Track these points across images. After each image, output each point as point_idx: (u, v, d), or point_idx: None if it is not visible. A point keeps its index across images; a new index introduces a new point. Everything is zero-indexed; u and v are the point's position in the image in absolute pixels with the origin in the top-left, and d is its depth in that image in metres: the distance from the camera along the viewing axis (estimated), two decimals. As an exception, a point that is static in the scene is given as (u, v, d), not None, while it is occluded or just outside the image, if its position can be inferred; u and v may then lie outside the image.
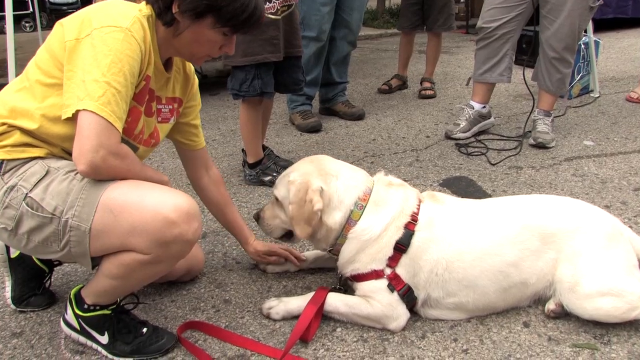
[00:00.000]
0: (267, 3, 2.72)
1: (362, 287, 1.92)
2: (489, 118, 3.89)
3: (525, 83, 3.74)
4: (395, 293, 1.86)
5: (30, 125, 1.61)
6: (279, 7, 2.77)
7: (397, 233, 1.87)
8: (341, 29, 4.09)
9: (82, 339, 1.82)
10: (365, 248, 1.88)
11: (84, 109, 1.49)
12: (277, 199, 2.02)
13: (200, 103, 2.14)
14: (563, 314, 1.92)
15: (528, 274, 1.91)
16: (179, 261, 2.04)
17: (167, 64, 1.84)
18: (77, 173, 1.60)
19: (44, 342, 1.89)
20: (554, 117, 3.90)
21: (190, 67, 2.01)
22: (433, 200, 2.00)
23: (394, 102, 4.85)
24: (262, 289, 2.16)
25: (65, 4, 11.16)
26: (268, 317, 1.97)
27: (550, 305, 1.93)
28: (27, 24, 8.88)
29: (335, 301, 1.92)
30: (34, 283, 2.07)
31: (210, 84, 5.50)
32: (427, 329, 1.90)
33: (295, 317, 1.91)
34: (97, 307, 1.78)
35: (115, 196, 1.57)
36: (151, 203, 1.56)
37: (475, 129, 3.80)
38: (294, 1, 2.88)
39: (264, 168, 3.06)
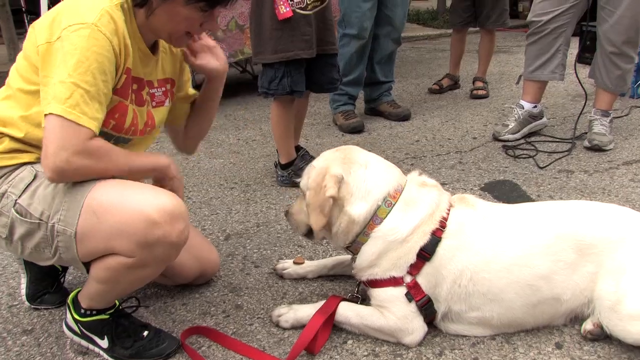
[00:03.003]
0: (296, -3, 2.63)
1: (377, 294, 1.77)
2: (541, 119, 3.65)
3: (578, 79, 3.48)
4: (413, 303, 1.70)
5: (17, 133, 1.59)
6: (308, 2, 2.67)
7: (423, 238, 1.71)
8: (384, 26, 3.94)
9: (83, 342, 1.78)
10: (388, 251, 1.72)
11: (50, 113, 1.43)
12: (302, 190, 1.88)
13: (189, 73, 2.05)
14: (602, 336, 1.71)
15: (561, 288, 1.71)
16: (191, 264, 1.99)
17: (154, 47, 1.76)
18: None
19: (51, 341, 1.86)
20: (615, 117, 3.62)
21: None
22: (463, 203, 1.83)
23: (443, 103, 4.66)
24: (277, 295, 2.06)
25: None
26: (277, 325, 1.86)
27: (588, 326, 1.73)
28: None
29: (347, 311, 1.79)
30: (48, 281, 2.05)
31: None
32: (446, 345, 1.74)
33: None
34: (94, 312, 1.73)
35: (98, 197, 1.51)
36: (133, 203, 1.49)
37: (525, 130, 3.57)
38: (327, -3, 2.77)
39: (296, 169, 2.96)
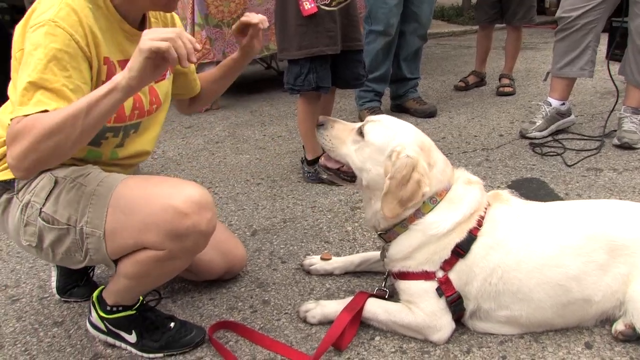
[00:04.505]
0: (320, -7, 2.63)
1: (407, 287, 1.77)
2: (569, 116, 3.60)
3: (610, 76, 3.43)
4: (443, 299, 1.70)
5: None
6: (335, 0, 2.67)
7: (460, 235, 1.71)
8: (411, 23, 3.92)
9: (110, 339, 1.80)
10: (426, 245, 1.72)
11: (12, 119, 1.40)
12: (362, 135, 1.78)
13: None
14: (634, 337, 1.68)
15: (592, 290, 1.69)
16: (218, 260, 2.01)
17: (143, 22, 1.73)
18: (85, 177, 1.58)
19: (81, 333, 1.89)
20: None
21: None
22: (498, 200, 1.81)
23: (469, 100, 4.62)
24: (304, 291, 2.07)
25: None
26: (304, 320, 1.87)
27: (619, 326, 1.70)
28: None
29: (375, 308, 1.79)
30: (77, 275, 2.09)
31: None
32: (474, 343, 1.73)
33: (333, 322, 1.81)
34: (120, 308, 1.74)
35: (123, 195, 1.53)
36: (160, 196, 1.51)
37: (552, 127, 3.53)
38: (351, -7, 2.77)
39: (321, 165, 2.96)
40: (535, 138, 3.48)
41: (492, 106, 4.36)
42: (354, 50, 2.87)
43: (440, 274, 1.71)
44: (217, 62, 4.91)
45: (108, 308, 1.75)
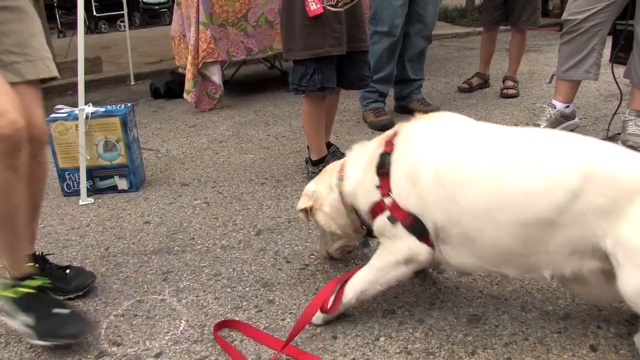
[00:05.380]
0: (327, -6, 2.63)
1: (375, 228, 1.82)
2: (573, 119, 3.60)
3: (615, 79, 3.42)
4: (399, 225, 1.69)
5: None
6: (340, 1, 2.67)
7: (375, 162, 1.76)
8: (415, 24, 3.93)
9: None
10: (357, 197, 1.85)
11: None
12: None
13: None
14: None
15: (557, 212, 1.49)
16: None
17: None
18: None
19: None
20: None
21: None
22: (424, 118, 1.80)
23: (473, 101, 4.62)
24: (309, 291, 2.07)
25: (157, 3, 11.62)
26: (310, 322, 1.87)
27: None
28: (121, 23, 9.36)
29: (359, 273, 1.82)
30: None
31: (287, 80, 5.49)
32: (479, 344, 1.73)
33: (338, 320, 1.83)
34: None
35: None
36: None
37: (557, 130, 3.52)
38: (357, -7, 2.77)
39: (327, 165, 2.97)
40: None
41: (496, 108, 4.36)
42: (360, 51, 2.87)
43: (387, 200, 1.71)
44: (222, 62, 4.96)
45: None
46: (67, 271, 2.08)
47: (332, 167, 2.02)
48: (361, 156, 1.87)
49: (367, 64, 2.97)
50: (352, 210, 1.90)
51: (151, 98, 5.52)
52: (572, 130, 3.54)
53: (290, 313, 1.94)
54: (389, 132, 1.82)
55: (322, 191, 1.99)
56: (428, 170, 1.63)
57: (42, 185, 2.03)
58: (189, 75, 4.73)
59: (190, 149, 3.79)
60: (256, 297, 2.05)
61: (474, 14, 10.25)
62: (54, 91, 6.18)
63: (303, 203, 2.03)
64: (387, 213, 1.72)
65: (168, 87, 5.45)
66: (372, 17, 3.84)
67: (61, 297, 2.02)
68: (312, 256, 2.29)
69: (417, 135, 1.72)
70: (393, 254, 1.74)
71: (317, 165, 2.98)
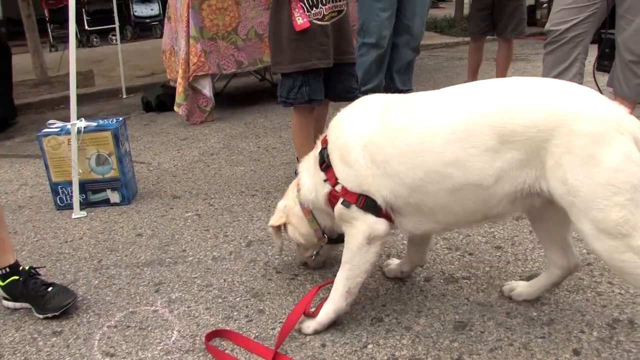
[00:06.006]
0: (314, 8, 2.68)
1: (336, 217, 1.90)
2: (559, 127, 3.66)
3: (598, 88, 3.48)
4: (353, 207, 1.78)
5: None
6: (326, 13, 2.72)
7: (316, 163, 1.91)
8: (403, 35, 3.99)
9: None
10: (315, 199, 1.95)
11: None
12: None
13: None
14: None
15: (479, 175, 1.59)
16: None
17: None
18: None
19: (80, 343, 1.93)
20: None
21: None
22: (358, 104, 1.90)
23: (461, 111, 4.68)
24: (298, 301, 2.09)
25: (148, 17, 11.66)
26: (300, 331, 1.90)
27: None
28: (113, 37, 9.40)
29: (337, 288, 1.89)
30: None
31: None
32: (464, 350, 1.77)
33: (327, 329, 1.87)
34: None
35: None
36: None
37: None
38: (344, 7, 2.82)
39: (315, 177, 3.01)
40: None
41: (483, 117, 4.41)
42: (347, 64, 2.92)
43: (338, 188, 1.81)
44: (212, 75, 5.01)
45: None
46: (49, 289, 2.11)
47: (293, 183, 2.14)
48: (309, 163, 2.01)
49: (355, 76, 3.02)
50: (312, 218, 2.02)
51: (143, 111, 5.55)
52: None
53: (280, 322, 1.97)
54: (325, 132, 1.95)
55: (291, 205, 2.09)
56: (359, 151, 1.75)
57: None
58: (179, 89, 4.77)
59: (181, 162, 3.82)
60: (247, 307, 2.08)
61: (462, 24, 10.35)
62: (47, 105, 6.22)
63: (276, 219, 2.12)
64: (340, 199, 1.81)
65: (159, 100, 5.48)
66: (360, 29, 3.91)
67: (40, 316, 2.09)
68: (301, 266, 2.33)
69: (341, 123, 1.86)
70: (355, 239, 1.81)
71: (306, 176, 3.02)
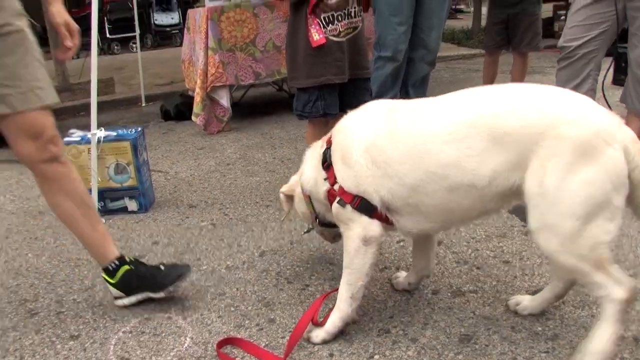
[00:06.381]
0: (330, 25, 2.75)
1: (333, 215, 1.98)
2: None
3: (608, 105, 3.50)
4: (348, 207, 1.85)
5: None
6: (341, 30, 2.79)
7: (320, 160, 2.00)
8: (419, 50, 4.02)
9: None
10: (315, 192, 2.04)
11: None
12: None
13: None
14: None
15: (473, 176, 1.65)
16: None
17: None
18: None
19: (96, 347, 2.00)
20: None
21: None
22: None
23: (475, 124, 4.72)
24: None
25: (168, 25, 11.87)
26: (308, 340, 1.96)
27: None
28: (133, 45, 9.59)
29: (341, 294, 1.96)
30: None
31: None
32: (469, 363, 1.81)
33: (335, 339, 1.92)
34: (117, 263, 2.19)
35: None
36: None
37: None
38: (359, 23, 2.88)
39: (328, 188, 3.07)
40: None
41: (497, 131, 4.44)
42: (362, 79, 2.98)
43: (336, 187, 1.89)
44: (230, 86, 5.11)
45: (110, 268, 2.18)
46: (161, 267, 2.26)
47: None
48: (313, 156, 2.11)
49: (369, 90, 3.09)
50: (309, 202, 2.13)
51: (161, 120, 5.66)
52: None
53: (290, 332, 2.02)
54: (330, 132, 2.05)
55: (297, 183, 2.21)
56: (360, 153, 1.83)
57: (77, 184, 2.15)
58: (197, 99, 4.87)
59: (198, 171, 3.90)
60: (258, 315, 2.14)
61: (480, 35, 10.36)
62: (68, 112, 6.36)
63: (287, 189, 2.28)
64: (337, 198, 1.89)
65: (178, 109, 5.59)
66: (377, 43, 3.95)
67: (162, 294, 2.22)
68: (312, 277, 2.39)
69: (346, 126, 1.96)
70: (352, 241, 1.88)
71: (320, 187, 3.08)
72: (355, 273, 1.90)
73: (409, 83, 4.17)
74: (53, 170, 2.03)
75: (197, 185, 3.62)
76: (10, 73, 1.88)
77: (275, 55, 5.09)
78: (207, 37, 4.80)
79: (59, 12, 2.00)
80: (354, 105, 2.97)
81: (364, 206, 1.84)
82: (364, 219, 1.86)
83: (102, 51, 11.19)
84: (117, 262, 2.20)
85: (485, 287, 2.24)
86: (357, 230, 1.86)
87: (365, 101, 3.02)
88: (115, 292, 2.22)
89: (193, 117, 4.92)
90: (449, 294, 2.21)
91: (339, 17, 2.76)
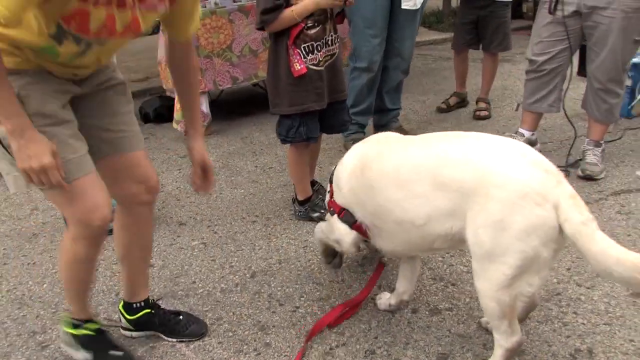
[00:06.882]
0: (310, 54, 2.90)
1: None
2: (536, 145, 3.94)
3: (568, 119, 3.78)
4: (335, 215, 2.27)
5: None
6: (321, 59, 2.94)
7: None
8: (393, 59, 4.20)
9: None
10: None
11: None
12: None
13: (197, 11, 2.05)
14: None
15: (413, 214, 1.93)
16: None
17: None
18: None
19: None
20: (608, 141, 3.91)
21: None
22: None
23: (447, 124, 4.93)
24: (300, 334, 2.35)
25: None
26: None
27: None
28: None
29: (321, 225, 2.48)
30: None
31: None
32: (447, 382, 2.04)
33: (326, 366, 2.13)
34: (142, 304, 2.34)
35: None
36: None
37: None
38: (336, 50, 3.04)
39: (312, 205, 3.26)
40: None
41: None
42: (339, 101, 3.15)
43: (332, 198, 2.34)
44: (209, 92, 5.21)
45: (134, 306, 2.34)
46: (180, 317, 2.39)
47: None
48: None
49: (346, 109, 3.27)
50: None
51: (141, 122, 5.74)
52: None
53: (285, 356, 2.23)
54: None
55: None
56: (347, 178, 2.21)
57: (152, 229, 2.35)
58: (177, 106, 4.97)
59: (183, 183, 4.04)
60: (255, 340, 2.34)
61: (450, 18, 10.52)
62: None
63: None
64: (331, 208, 2.32)
65: (157, 112, 5.68)
66: (352, 54, 4.12)
67: (174, 340, 2.36)
68: (302, 298, 2.58)
69: (348, 152, 2.31)
70: (332, 231, 2.33)
71: (303, 205, 3.27)
72: (329, 235, 2.37)
73: (384, 90, 4.36)
74: (144, 212, 2.21)
75: (184, 200, 3.77)
76: (126, 119, 2.08)
77: (252, 60, 5.20)
78: (185, 45, 4.88)
79: (199, 150, 2.19)
80: (334, 125, 3.19)
81: (347, 219, 2.22)
82: (343, 226, 2.24)
83: (72, 41, 11.02)
84: (142, 304, 2.36)
85: (460, 304, 2.47)
86: (335, 231, 2.29)
87: (344, 120, 3.24)
88: (125, 324, 2.37)
89: (174, 124, 5.03)
90: (427, 312, 2.43)
91: (318, 47, 2.91)
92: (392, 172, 1.99)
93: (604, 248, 1.62)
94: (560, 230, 1.68)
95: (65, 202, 1.89)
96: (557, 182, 1.72)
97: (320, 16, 2.91)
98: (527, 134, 3.88)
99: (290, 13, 2.82)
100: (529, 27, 4.27)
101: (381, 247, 2.22)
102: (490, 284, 1.80)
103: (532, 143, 3.88)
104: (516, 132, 3.95)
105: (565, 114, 3.80)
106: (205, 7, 5.04)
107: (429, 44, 9.25)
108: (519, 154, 1.78)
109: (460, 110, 5.31)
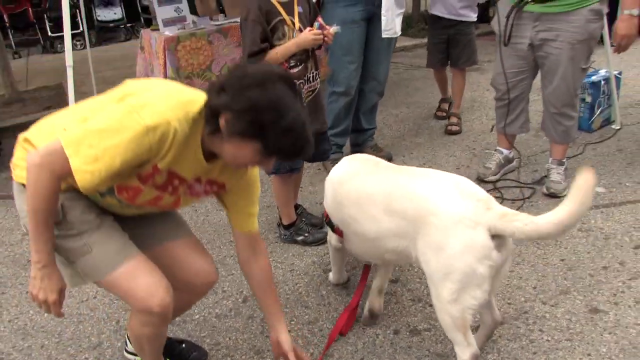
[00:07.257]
0: (293, 92, 3.09)
1: None
2: (513, 162, 4.27)
3: (513, 146, 4.08)
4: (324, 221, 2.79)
5: None
6: (304, 96, 3.14)
7: None
8: (370, 82, 4.42)
9: None
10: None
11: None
12: None
13: (256, 191, 2.18)
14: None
15: (368, 231, 2.36)
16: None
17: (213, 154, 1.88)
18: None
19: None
20: (571, 156, 4.21)
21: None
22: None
23: (420, 140, 5.14)
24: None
25: (111, 21, 11.76)
26: None
27: None
28: (77, 42, 9.45)
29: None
30: None
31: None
32: (428, 401, 2.27)
33: None
34: None
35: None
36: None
37: (502, 172, 4.18)
38: (317, 85, 3.24)
39: (296, 229, 3.46)
40: (491, 182, 4.10)
41: (441, 148, 4.89)
42: (321, 132, 3.35)
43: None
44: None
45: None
46: (183, 345, 2.56)
47: None
48: None
49: (327, 139, 3.47)
50: None
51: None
52: (510, 172, 4.14)
53: (281, 379, 2.43)
54: None
55: None
56: (330, 189, 2.64)
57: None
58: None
59: (171, 205, 4.19)
60: (251, 365, 2.54)
61: (419, 24, 10.76)
62: (25, 128, 6.37)
63: None
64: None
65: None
66: (330, 79, 4.32)
67: None
68: (292, 322, 2.78)
69: (334, 168, 2.70)
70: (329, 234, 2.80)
71: (288, 229, 3.47)
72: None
73: (360, 112, 4.58)
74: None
75: (173, 223, 3.92)
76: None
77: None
78: (165, 67, 5.03)
79: (287, 341, 2.24)
80: (315, 155, 3.39)
81: (330, 222, 2.67)
82: (328, 228, 2.75)
83: (44, 49, 11.01)
84: None
85: (437, 324, 2.67)
86: (327, 236, 2.80)
87: (324, 149, 3.44)
88: (131, 349, 2.51)
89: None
90: (407, 333, 2.66)
91: (301, 85, 3.11)
92: (355, 195, 2.43)
93: (547, 221, 1.89)
94: (497, 247, 2.01)
95: (121, 295, 1.98)
96: (486, 209, 2.03)
97: (302, 55, 3.11)
98: (505, 152, 4.20)
99: (274, 55, 3.01)
100: (489, 33, 4.60)
101: (350, 250, 2.64)
102: (440, 299, 2.11)
103: (509, 160, 4.20)
104: (495, 150, 4.23)
105: (507, 140, 4.10)
106: (185, 28, 5.20)
107: (400, 50, 9.37)
108: (454, 187, 2.14)
109: (432, 125, 5.55)
